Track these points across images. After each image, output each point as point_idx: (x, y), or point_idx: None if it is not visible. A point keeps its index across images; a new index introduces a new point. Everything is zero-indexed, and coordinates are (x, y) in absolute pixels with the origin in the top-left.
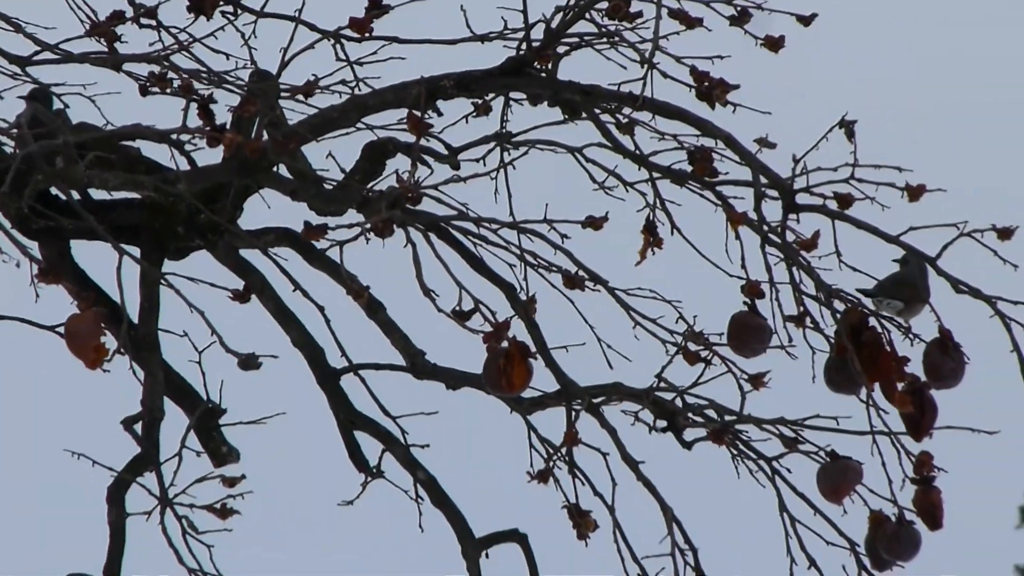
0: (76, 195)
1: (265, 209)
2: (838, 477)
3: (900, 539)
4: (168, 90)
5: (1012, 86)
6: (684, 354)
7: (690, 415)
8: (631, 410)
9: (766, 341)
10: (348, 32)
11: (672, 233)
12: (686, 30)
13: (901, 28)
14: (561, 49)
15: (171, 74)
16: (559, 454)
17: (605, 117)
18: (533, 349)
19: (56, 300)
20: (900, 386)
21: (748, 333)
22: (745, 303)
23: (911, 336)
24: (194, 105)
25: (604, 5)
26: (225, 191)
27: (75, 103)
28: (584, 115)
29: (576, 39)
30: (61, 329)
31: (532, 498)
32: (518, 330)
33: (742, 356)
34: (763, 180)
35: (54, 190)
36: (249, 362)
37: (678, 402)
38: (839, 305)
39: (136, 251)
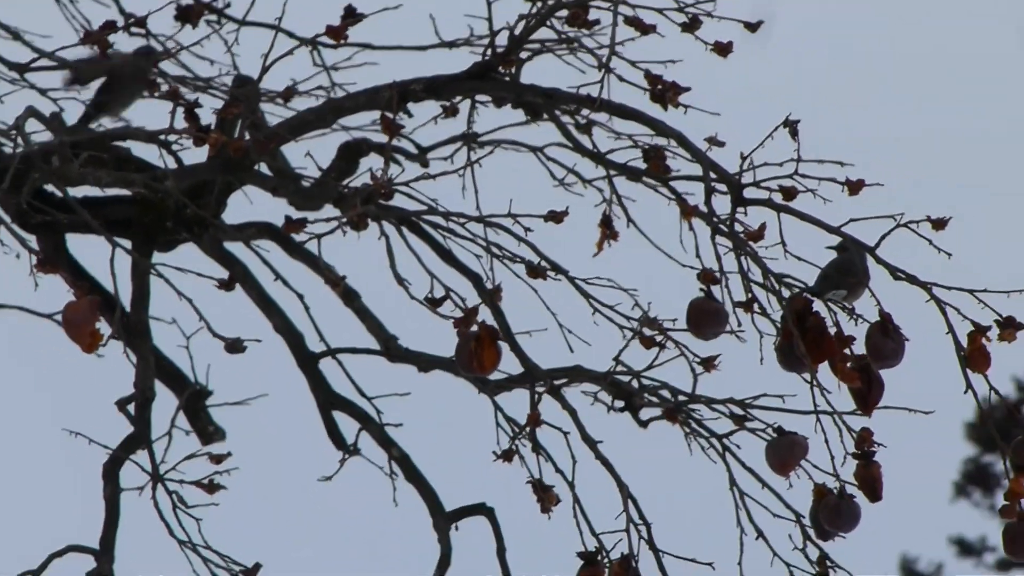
0: (71, 191)
1: (247, 204)
2: (785, 452)
3: (840, 511)
4: (156, 94)
5: (945, 83)
6: (640, 339)
7: (646, 396)
8: (590, 391)
9: (723, 324)
10: (325, 39)
11: (628, 226)
12: (641, 36)
13: (844, 30)
14: (524, 55)
15: (159, 79)
16: (523, 433)
17: (565, 118)
18: (500, 334)
19: (53, 290)
20: (847, 364)
21: (706, 317)
22: (701, 290)
23: (855, 317)
24: (181, 108)
25: (564, 13)
26: (210, 188)
27: (70, 107)
28: (545, 116)
29: (538, 45)
30: (59, 317)
31: (498, 474)
32: (485, 317)
33: (701, 339)
34: (713, 176)
35: (51, 187)
36: (234, 346)
37: (634, 384)
38: (785, 292)
39: (128, 244)
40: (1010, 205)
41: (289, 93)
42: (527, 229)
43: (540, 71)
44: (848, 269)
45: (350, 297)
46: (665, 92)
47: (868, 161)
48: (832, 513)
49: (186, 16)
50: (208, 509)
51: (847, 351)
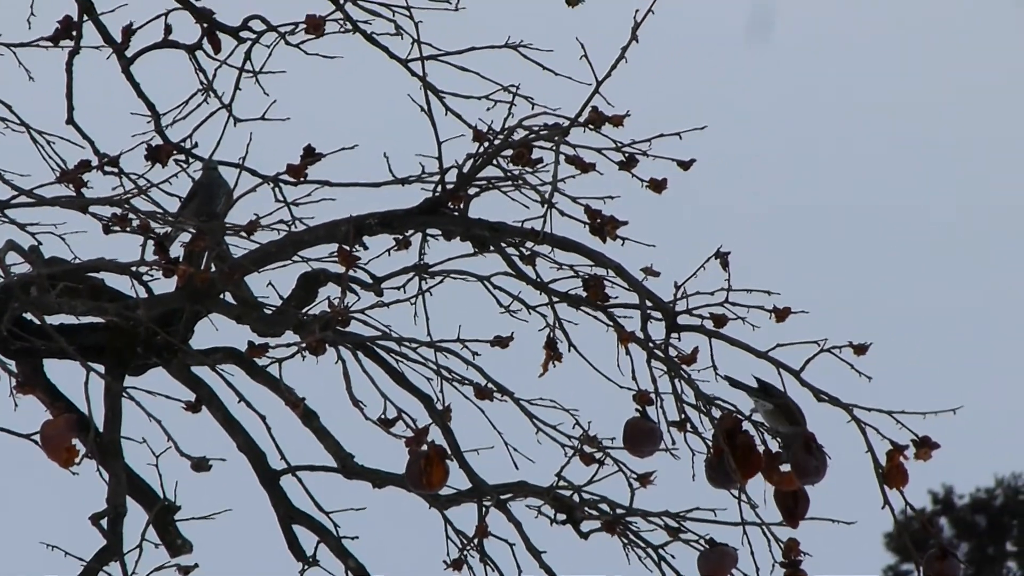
0: (48, 319)
1: (213, 331)
2: (716, 562)
3: None
4: (128, 229)
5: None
6: (580, 456)
7: (586, 509)
8: (534, 505)
9: (657, 442)
10: (286, 177)
11: (569, 350)
12: (581, 174)
13: (768, 167)
14: (472, 191)
15: (131, 215)
16: (472, 545)
17: (510, 250)
18: (449, 452)
19: (31, 412)
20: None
21: (641, 436)
22: (637, 410)
23: (778, 439)
24: (151, 241)
25: (509, 152)
26: (178, 316)
27: (47, 240)
28: (492, 248)
29: (485, 182)
30: (36, 437)
31: None
32: (436, 436)
33: (636, 456)
34: (648, 304)
35: (29, 315)
36: (200, 465)
37: (576, 498)
38: (716, 412)
39: (101, 368)
40: (928, 330)
41: (252, 227)
42: (475, 353)
43: (487, 206)
44: (785, 400)
45: (309, 417)
46: (604, 225)
47: (795, 288)
48: None
49: (156, 156)
50: None
51: (776, 466)
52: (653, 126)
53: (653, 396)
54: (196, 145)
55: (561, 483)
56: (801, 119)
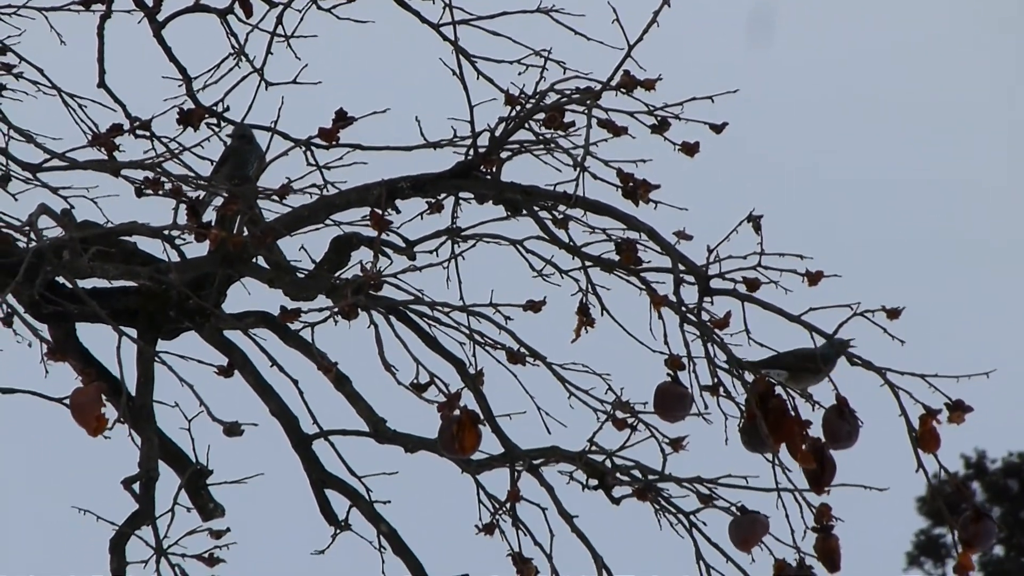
0: (81, 283)
1: (246, 295)
2: (747, 530)
3: None
4: (160, 192)
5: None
6: (613, 421)
7: (618, 474)
8: (566, 470)
9: (688, 408)
10: (317, 141)
11: (602, 314)
12: (613, 137)
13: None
14: (504, 154)
15: (163, 178)
16: (504, 509)
17: (543, 213)
18: (481, 417)
19: (63, 377)
20: (803, 446)
21: (672, 401)
22: (668, 375)
23: (812, 402)
24: (183, 205)
25: (541, 116)
26: (211, 280)
27: (80, 204)
28: (524, 212)
29: (517, 146)
30: (67, 401)
31: (480, 547)
32: (468, 401)
33: (667, 421)
34: (681, 267)
35: (62, 279)
36: (232, 429)
37: (607, 463)
38: (749, 376)
39: (133, 332)
40: (963, 293)
41: (284, 191)
42: (507, 318)
43: (519, 170)
44: (807, 357)
45: (341, 382)
46: (636, 189)
47: (828, 252)
48: None
49: (188, 120)
50: None
51: (804, 433)
52: (684, 90)
53: (685, 360)
54: (228, 109)
55: (593, 448)
56: (801, 119)
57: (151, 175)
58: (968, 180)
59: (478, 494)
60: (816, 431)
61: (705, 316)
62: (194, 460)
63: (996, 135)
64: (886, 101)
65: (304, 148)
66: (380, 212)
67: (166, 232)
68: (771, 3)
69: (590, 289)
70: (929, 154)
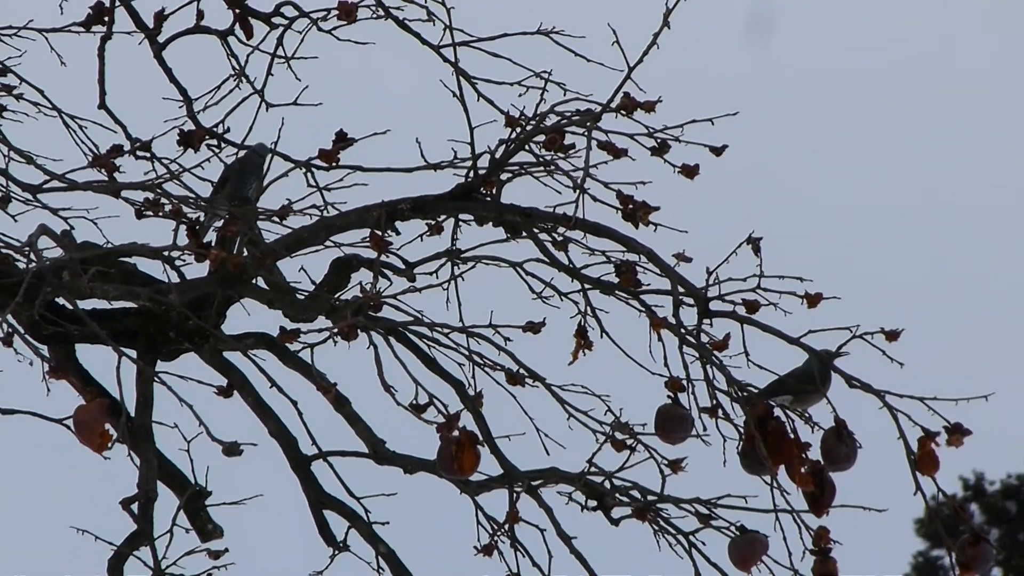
0: (81, 304)
1: (245, 316)
2: (747, 549)
3: None
4: (160, 213)
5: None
6: (612, 442)
7: (617, 496)
8: (565, 491)
9: (688, 429)
10: (318, 162)
11: (601, 336)
12: (613, 160)
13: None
14: (504, 176)
15: (163, 199)
16: (502, 530)
17: (543, 235)
18: (480, 438)
19: (63, 397)
20: (802, 469)
21: (673, 422)
22: (669, 397)
23: (811, 424)
24: (183, 226)
25: (541, 138)
26: (210, 301)
27: (80, 224)
28: (524, 234)
29: (517, 167)
30: (69, 422)
31: (479, 568)
32: (467, 422)
33: (668, 443)
34: (680, 290)
35: (62, 300)
36: (232, 450)
37: (607, 484)
38: (748, 400)
39: (133, 353)
40: (960, 316)
41: (284, 212)
42: (507, 339)
43: (519, 192)
44: (805, 378)
45: (341, 403)
46: (636, 211)
47: (827, 275)
48: None
49: (188, 141)
50: None
51: (803, 455)
52: (684, 106)
53: (685, 382)
54: (228, 130)
55: (592, 469)
56: (800, 119)
57: (151, 196)
58: (968, 202)
59: (477, 515)
60: (815, 453)
61: (704, 338)
62: (193, 481)
63: (998, 146)
64: (886, 107)
65: (304, 169)
66: (380, 233)
67: (166, 253)
68: (771, 3)
69: (589, 311)
70: (928, 172)
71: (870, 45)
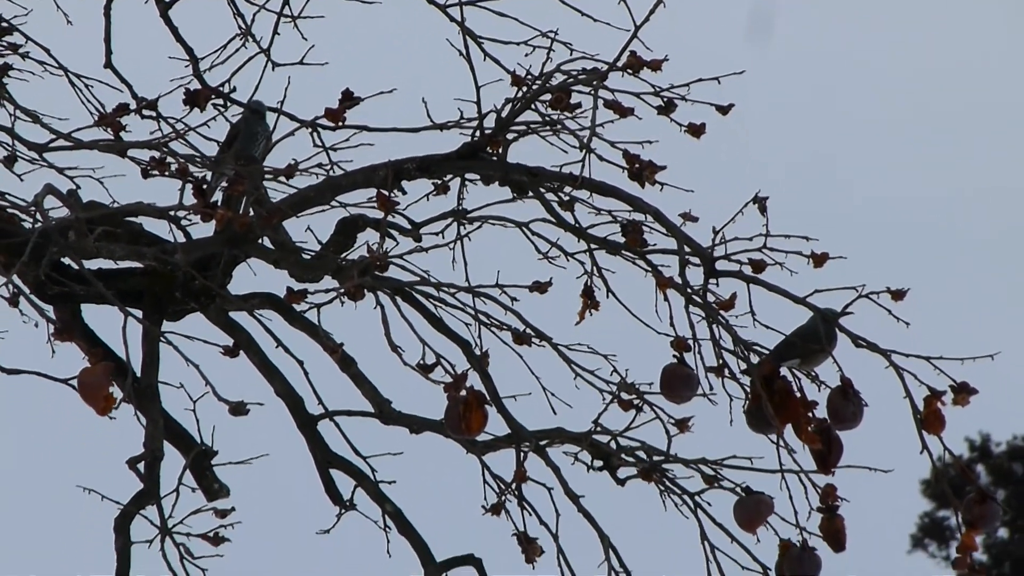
0: (87, 264)
1: (251, 276)
2: (752, 510)
3: (803, 561)
4: (167, 172)
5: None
6: (618, 402)
7: (623, 455)
8: (572, 451)
9: (694, 388)
10: (324, 121)
11: (608, 296)
12: (619, 119)
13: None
14: (510, 136)
15: (169, 159)
16: (509, 489)
17: (549, 195)
18: (487, 398)
19: (69, 357)
20: (809, 427)
21: (679, 382)
22: (674, 356)
23: (818, 383)
24: (189, 186)
25: (547, 97)
26: (216, 260)
27: (85, 184)
28: (530, 193)
29: (523, 127)
30: (74, 382)
31: (486, 527)
32: (474, 382)
33: (673, 402)
34: (687, 249)
35: (67, 260)
36: (238, 409)
37: (613, 444)
38: (754, 358)
39: (139, 313)
40: (968, 275)
41: (291, 171)
42: (513, 299)
43: (525, 151)
44: (811, 337)
45: (347, 363)
46: (642, 171)
47: (833, 233)
48: (795, 563)
49: (194, 100)
50: (213, 560)
51: (810, 414)
52: (690, 74)
53: (691, 342)
54: (234, 89)
55: (598, 429)
56: (800, 118)
57: (157, 155)
58: (971, 175)
59: (484, 475)
60: (821, 412)
61: (710, 298)
62: (199, 440)
63: (1000, 124)
64: (888, 89)
65: (310, 129)
66: (386, 193)
67: (172, 212)
68: (770, 3)
69: (595, 271)
70: (931, 145)
71: (869, 45)
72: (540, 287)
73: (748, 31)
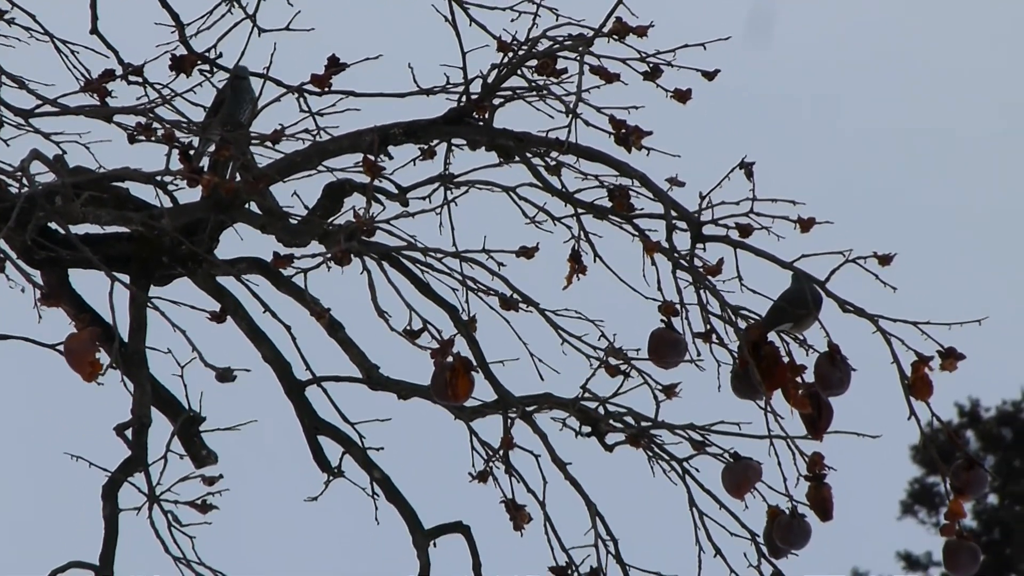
0: (73, 229)
1: (238, 241)
2: (740, 476)
3: (792, 529)
4: (153, 138)
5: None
6: (605, 367)
7: (611, 421)
8: (559, 417)
9: (682, 354)
10: (310, 87)
11: (595, 261)
12: (605, 84)
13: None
14: (496, 101)
15: (155, 124)
16: (497, 456)
17: (535, 160)
18: (474, 363)
19: (56, 322)
20: (799, 392)
21: (666, 347)
22: (662, 321)
23: (806, 347)
24: (176, 151)
25: (534, 63)
26: (203, 225)
27: (72, 149)
28: (517, 158)
29: (509, 92)
30: (61, 347)
31: (473, 494)
32: (461, 347)
33: (661, 367)
34: (673, 214)
35: (54, 225)
36: (225, 375)
37: (600, 410)
38: (741, 323)
39: (126, 278)
40: (954, 240)
41: (277, 137)
42: (500, 264)
43: (512, 116)
44: (798, 301)
45: (334, 328)
46: (628, 136)
47: (820, 199)
48: (784, 531)
49: (180, 66)
50: (201, 528)
51: (798, 379)
52: (677, 38)
53: (678, 307)
54: (220, 55)
55: (586, 395)
56: (800, 118)
57: (143, 121)
58: (958, 131)
59: (471, 441)
60: (809, 377)
61: (698, 262)
62: (187, 407)
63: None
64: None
65: (297, 94)
66: (373, 158)
67: (158, 178)
68: (771, 3)
69: (582, 236)
70: (922, 103)
71: (870, 45)
72: (527, 252)
73: (747, 32)
